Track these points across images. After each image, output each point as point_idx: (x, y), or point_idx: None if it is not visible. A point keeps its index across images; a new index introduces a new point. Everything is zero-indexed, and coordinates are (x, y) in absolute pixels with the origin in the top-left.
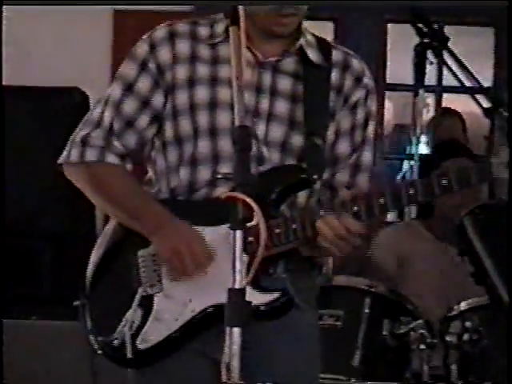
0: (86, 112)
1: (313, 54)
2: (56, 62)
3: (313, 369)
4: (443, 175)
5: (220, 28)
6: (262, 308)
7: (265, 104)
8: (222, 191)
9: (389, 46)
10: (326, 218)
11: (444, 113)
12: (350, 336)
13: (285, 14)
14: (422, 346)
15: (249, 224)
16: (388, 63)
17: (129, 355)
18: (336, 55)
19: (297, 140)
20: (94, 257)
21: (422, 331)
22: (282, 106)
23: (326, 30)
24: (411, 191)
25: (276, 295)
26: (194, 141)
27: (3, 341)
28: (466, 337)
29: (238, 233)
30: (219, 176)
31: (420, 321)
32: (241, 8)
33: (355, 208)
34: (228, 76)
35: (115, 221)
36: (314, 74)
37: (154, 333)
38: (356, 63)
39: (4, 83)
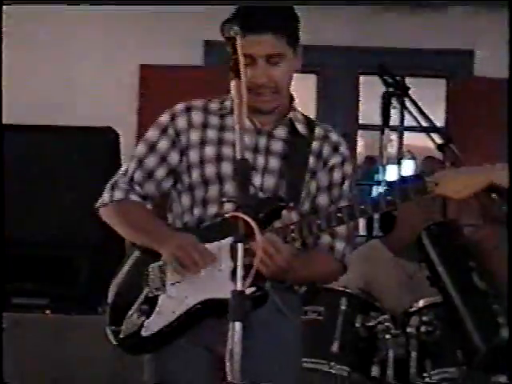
0: (118, 147)
1: (300, 127)
2: (92, 105)
3: (293, 368)
4: (388, 194)
5: (227, 104)
6: (253, 297)
7: (261, 161)
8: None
9: (361, 94)
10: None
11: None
12: (329, 328)
13: (257, 91)
14: (388, 336)
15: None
16: (360, 107)
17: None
18: (318, 130)
19: (283, 187)
20: (118, 279)
21: (387, 324)
22: (274, 163)
23: (309, 81)
24: (362, 207)
25: (253, 289)
26: (205, 187)
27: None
28: (423, 328)
29: (240, 245)
30: (225, 199)
31: (386, 316)
32: (242, 65)
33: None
34: (232, 139)
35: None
36: (299, 142)
37: (155, 323)
38: (334, 136)
39: (50, 123)
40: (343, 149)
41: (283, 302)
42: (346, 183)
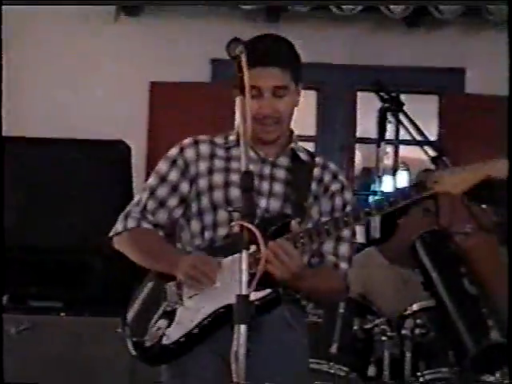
0: (130, 159)
1: (302, 155)
2: (105, 119)
3: (302, 379)
4: (391, 195)
5: (232, 137)
6: (256, 303)
7: (266, 186)
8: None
9: (358, 109)
10: (272, 243)
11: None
12: (329, 330)
13: (263, 122)
14: (384, 338)
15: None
16: (358, 122)
17: (155, 349)
18: (318, 159)
19: (288, 208)
20: (136, 301)
21: (383, 327)
22: (278, 187)
23: (310, 97)
24: (367, 209)
25: (267, 291)
26: (214, 211)
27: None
28: (417, 331)
29: (245, 252)
30: (230, 209)
31: (382, 319)
32: (246, 81)
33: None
34: (238, 167)
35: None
36: (301, 168)
37: (175, 332)
38: (332, 166)
39: (65, 136)
40: (342, 177)
41: (292, 316)
42: (348, 208)
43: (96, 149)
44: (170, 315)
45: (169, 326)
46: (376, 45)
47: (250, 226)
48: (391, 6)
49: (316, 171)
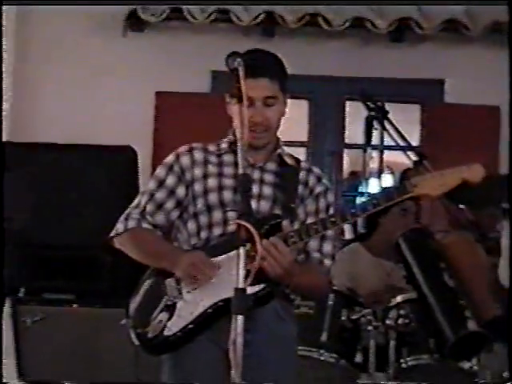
0: (136, 163)
1: (288, 159)
2: (114, 127)
3: (288, 366)
4: (374, 197)
5: (224, 145)
6: (252, 297)
7: (255, 190)
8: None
9: (347, 117)
10: (265, 242)
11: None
12: (319, 320)
13: (254, 130)
14: (370, 328)
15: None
16: (346, 129)
17: (157, 340)
18: (303, 164)
19: (277, 209)
20: (138, 295)
21: (369, 317)
22: (267, 190)
23: (302, 106)
24: (353, 210)
25: (261, 286)
26: (209, 213)
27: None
28: (400, 321)
29: (242, 249)
30: (228, 208)
31: (368, 310)
32: (244, 91)
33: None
34: (230, 172)
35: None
36: (287, 172)
37: (176, 324)
38: (317, 170)
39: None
40: (325, 180)
41: (282, 309)
42: (331, 211)
43: (105, 153)
44: (170, 308)
45: (169, 318)
46: (363, 58)
47: (247, 224)
48: (376, 23)
49: (302, 175)
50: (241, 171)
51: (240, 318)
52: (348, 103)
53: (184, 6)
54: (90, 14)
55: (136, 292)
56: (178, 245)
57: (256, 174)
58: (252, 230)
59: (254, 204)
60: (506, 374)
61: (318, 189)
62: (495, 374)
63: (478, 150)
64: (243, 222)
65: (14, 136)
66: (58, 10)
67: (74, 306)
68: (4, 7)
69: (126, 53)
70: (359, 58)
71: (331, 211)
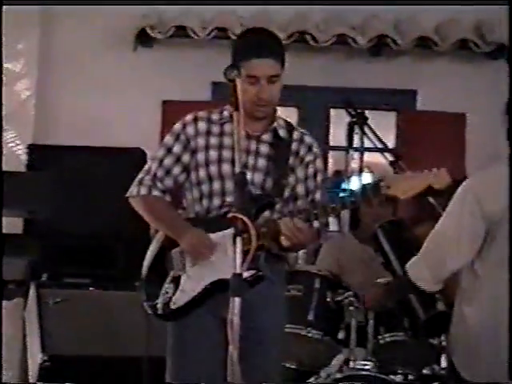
0: (145, 163)
1: (282, 132)
2: (125, 131)
3: (280, 320)
4: (353, 195)
5: (225, 114)
6: (249, 278)
7: (251, 161)
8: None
9: (331, 123)
10: (283, 219)
11: None
12: (307, 301)
13: (260, 104)
14: (351, 308)
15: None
16: (330, 133)
17: (165, 311)
18: (296, 134)
19: (269, 182)
20: (148, 256)
21: (351, 299)
22: (261, 163)
23: (292, 113)
24: (333, 205)
25: (253, 272)
26: (210, 182)
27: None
28: None
29: (238, 238)
30: (226, 203)
31: (350, 292)
32: (240, 100)
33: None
34: (229, 143)
35: (160, 233)
36: (281, 144)
37: (181, 299)
38: (308, 139)
39: (90, 144)
40: (315, 149)
41: (274, 274)
42: (319, 176)
43: (118, 154)
44: (175, 281)
45: (174, 292)
46: (345, 71)
47: (243, 217)
48: (357, 39)
49: (294, 145)
50: (237, 170)
51: (237, 299)
52: (332, 110)
53: (187, 25)
54: (105, 31)
55: (146, 269)
56: (186, 204)
57: (252, 145)
58: (247, 222)
59: (249, 175)
60: None
61: (308, 157)
62: None
63: (446, 152)
64: (240, 215)
65: (39, 139)
66: (78, 25)
67: (91, 288)
68: (23, 11)
69: (136, 66)
70: (342, 71)
71: (319, 177)
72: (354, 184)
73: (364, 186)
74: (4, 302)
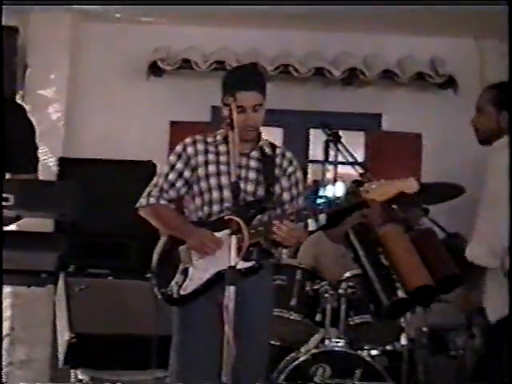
0: (155, 174)
1: (267, 150)
2: (138, 147)
3: (269, 306)
4: (335, 201)
5: (219, 138)
6: (244, 270)
7: (243, 174)
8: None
9: (310, 140)
10: (277, 223)
11: None
12: (289, 289)
13: (247, 129)
14: (327, 295)
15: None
16: (310, 148)
17: (176, 297)
18: (278, 150)
19: (260, 190)
20: (156, 251)
21: (327, 287)
22: (252, 175)
23: (277, 132)
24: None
25: (252, 263)
26: (210, 192)
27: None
28: (349, 290)
29: (234, 236)
30: (224, 209)
31: (326, 282)
32: (235, 120)
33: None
34: (225, 160)
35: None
36: (267, 160)
37: (189, 286)
38: (289, 154)
39: (110, 157)
40: (295, 162)
41: (262, 268)
42: (300, 185)
43: (133, 166)
44: (184, 272)
45: (183, 281)
46: (322, 97)
47: (238, 219)
48: (332, 71)
49: (277, 160)
50: (233, 180)
51: (232, 288)
52: (311, 130)
53: (192, 59)
54: (122, 63)
55: (157, 260)
56: (188, 212)
57: (244, 161)
58: (241, 224)
59: (242, 185)
60: (424, 329)
61: (290, 169)
62: (417, 328)
63: (405, 165)
64: (235, 218)
65: (67, 153)
66: (100, 57)
67: (109, 278)
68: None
69: (148, 92)
70: (320, 98)
71: (300, 186)
72: (329, 192)
73: (347, 191)
74: (38, 289)
